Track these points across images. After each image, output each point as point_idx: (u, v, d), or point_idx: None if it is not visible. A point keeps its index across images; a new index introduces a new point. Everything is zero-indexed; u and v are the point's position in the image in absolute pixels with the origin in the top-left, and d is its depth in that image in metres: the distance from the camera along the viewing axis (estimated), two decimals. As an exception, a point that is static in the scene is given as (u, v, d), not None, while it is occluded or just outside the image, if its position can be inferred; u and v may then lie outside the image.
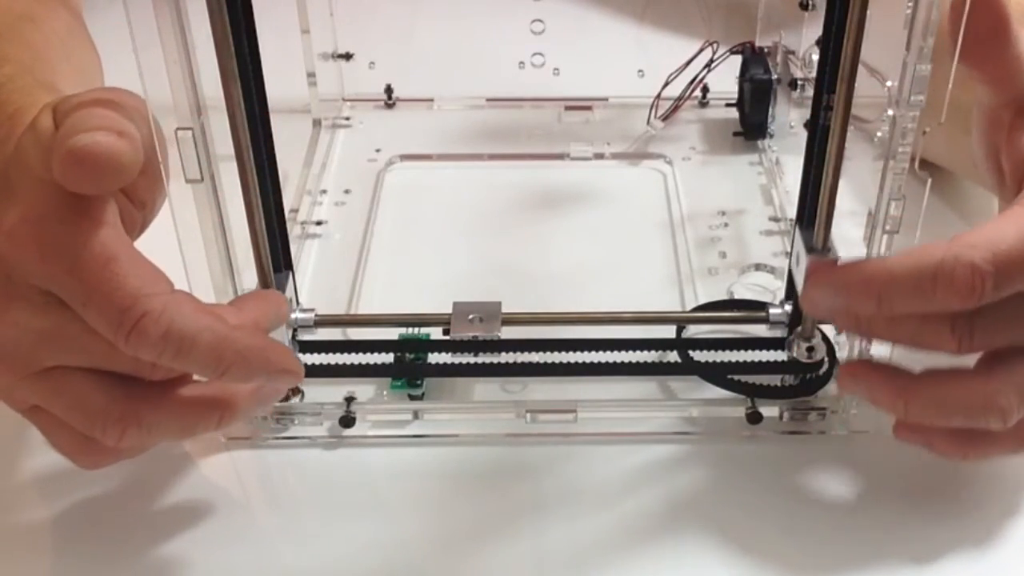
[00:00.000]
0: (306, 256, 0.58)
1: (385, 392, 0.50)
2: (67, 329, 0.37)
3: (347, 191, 0.63)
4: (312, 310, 0.49)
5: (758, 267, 0.57)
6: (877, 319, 0.40)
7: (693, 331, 0.52)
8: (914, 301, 0.38)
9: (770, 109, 0.64)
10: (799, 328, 0.48)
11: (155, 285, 0.37)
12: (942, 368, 0.41)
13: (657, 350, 0.50)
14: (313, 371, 0.48)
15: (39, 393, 0.39)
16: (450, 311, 0.48)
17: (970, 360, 0.41)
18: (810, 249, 0.44)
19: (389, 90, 0.70)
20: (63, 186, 0.37)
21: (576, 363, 0.49)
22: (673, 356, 0.50)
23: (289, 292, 0.47)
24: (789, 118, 0.64)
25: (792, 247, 0.44)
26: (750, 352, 0.49)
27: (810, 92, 0.53)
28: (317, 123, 0.67)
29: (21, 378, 0.39)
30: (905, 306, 0.38)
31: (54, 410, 0.39)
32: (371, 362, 0.49)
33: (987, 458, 0.43)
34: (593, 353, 0.49)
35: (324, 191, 0.63)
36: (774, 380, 0.49)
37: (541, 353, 0.49)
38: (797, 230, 0.44)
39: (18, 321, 0.37)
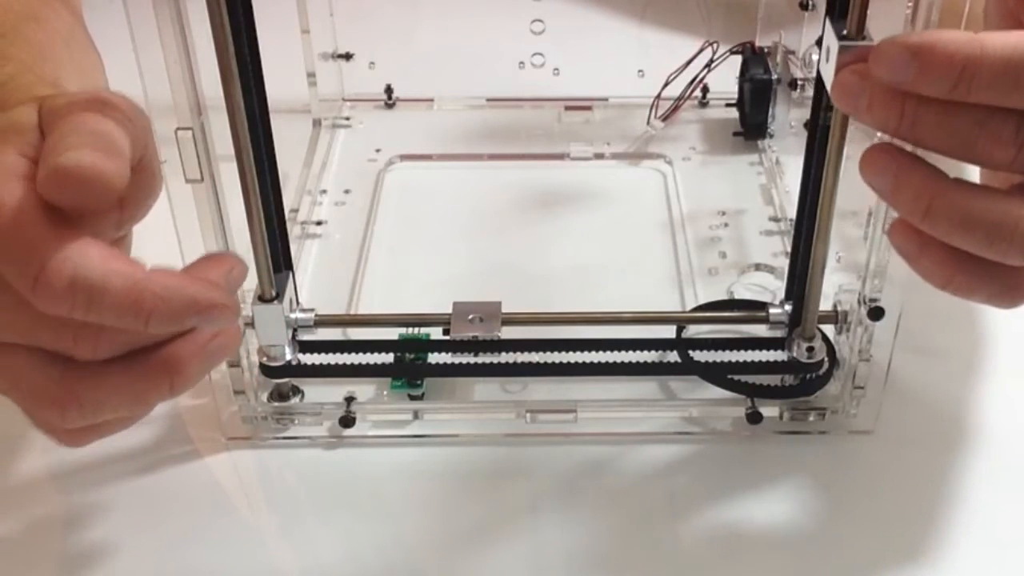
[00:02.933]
0: (306, 256, 0.58)
1: (385, 392, 0.50)
2: None
3: (347, 191, 0.63)
4: (312, 310, 0.49)
5: (758, 267, 0.57)
6: (931, 109, 0.34)
7: (693, 331, 0.52)
8: (998, 87, 0.33)
9: (770, 109, 0.64)
10: (799, 328, 0.48)
11: (58, 233, 0.35)
12: (973, 183, 0.35)
13: (657, 350, 0.50)
14: (313, 371, 0.48)
15: None
16: (450, 311, 0.48)
17: None
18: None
19: (389, 90, 0.70)
20: (17, 154, 0.36)
21: (576, 363, 0.49)
22: (673, 356, 0.50)
23: (289, 292, 0.47)
24: (789, 118, 0.64)
25: (823, 42, 0.41)
26: (750, 352, 0.49)
27: (810, 92, 0.53)
28: (317, 123, 0.67)
29: None
30: (984, 93, 0.33)
31: (2, 390, 0.38)
32: (371, 362, 0.49)
33: (969, 294, 0.36)
34: (593, 353, 0.49)
35: (324, 191, 0.63)
36: (774, 380, 0.49)
37: (541, 353, 0.49)
38: (827, 22, 0.40)
39: None
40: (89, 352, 0.36)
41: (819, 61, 0.40)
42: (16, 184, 0.35)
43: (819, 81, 0.44)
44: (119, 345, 0.37)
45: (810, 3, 0.59)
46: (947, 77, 0.33)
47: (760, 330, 0.51)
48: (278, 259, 0.47)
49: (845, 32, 0.38)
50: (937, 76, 0.33)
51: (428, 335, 0.50)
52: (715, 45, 0.64)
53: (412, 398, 0.49)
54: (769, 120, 0.65)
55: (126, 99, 0.37)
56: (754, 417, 0.48)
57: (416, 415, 0.49)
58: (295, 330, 0.49)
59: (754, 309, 0.51)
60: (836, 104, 0.36)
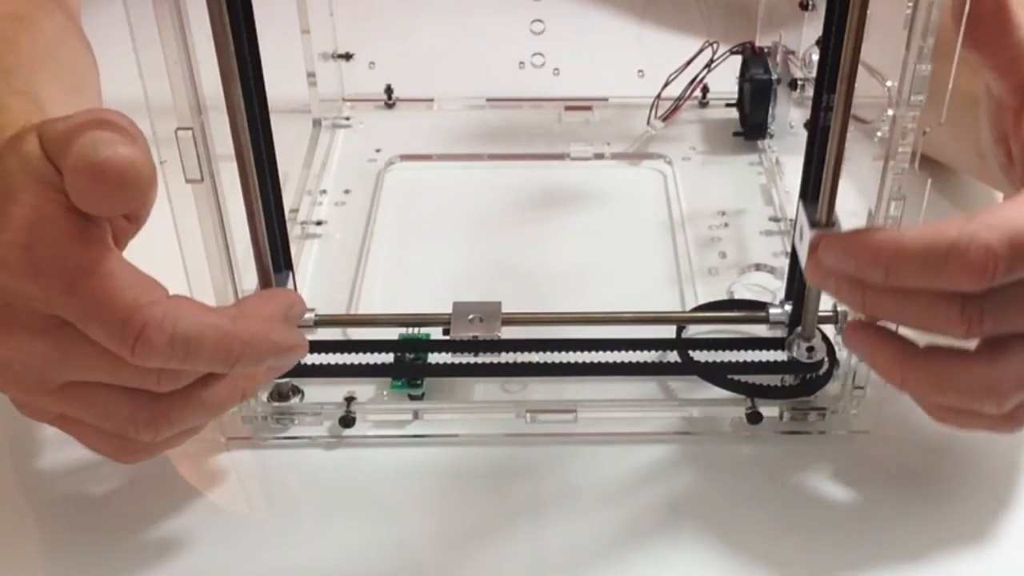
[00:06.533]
0: (306, 256, 0.58)
1: (385, 392, 0.50)
2: (72, 349, 0.37)
3: (347, 191, 0.63)
4: (312, 310, 0.49)
5: (758, 267, 0.57)
6: (884, 294, 0.39)
7: (693, 331, 0.52)
8: (923, 276, 0.37)
9: (770, 109, 0.64)
10: (799, 328, 0.48)
11: (152, 293, 0.37)
12: (944, 346, 0.39)
13: (657, 350, 0.50)
14: (313, 371, 0.48)
15: (64, 405, 0.39)
16: (450, 311, 0.48)
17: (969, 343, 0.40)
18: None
19: (389, 90, 0.70)
20: (64, 208, 0.36)
21: (576, 363, 0.49)
22: (673, 356, 0.50)
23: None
24: (789, 118, 0.64)
25: (795, 221, 0.43)
26: (750, 352, 0.49)
27: (810, 92, 0.53)
28: (317, 123, 0.67)
29: (41, 395, 0.39)
30: (913, 280, 0.37)
31: (84, 419, 0.40)
32: (371, 362, 0.49)
33: (967, 430, 0.41)
34: (593, 353, 0.49)
35: (324, 191, 0.63)
36: (774, 380, 0.49)
37: (541, 353, 0.49)
38: (800, 204, 0.44)
39: (22, 346, 0.37)
40: (171, 388, 0.39)
41: (794, 236, 0.45)
42: (90, 248, 0.36)
43: (819, 81, 0.44)
44: (197, 376, 0.40)
45: (810, 3, 0.59)
46: (877, 270, 0.38)
47: (760, 330, 0.51)
48: (278, 259, 0.47)
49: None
50: (869, 270, 0.38)
51: (428, 335, 0.50)
52: (715, 45, 0.64)
53: (412, 398, 0.49)
54: (769, 120, 0.65)
55: (121, 115, 0.37)
56: (754, 417, 0.48)
57: (416, 415, 0.49)
58: (295, 330, 0.49)
59: (754, 309, 0.51)
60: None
